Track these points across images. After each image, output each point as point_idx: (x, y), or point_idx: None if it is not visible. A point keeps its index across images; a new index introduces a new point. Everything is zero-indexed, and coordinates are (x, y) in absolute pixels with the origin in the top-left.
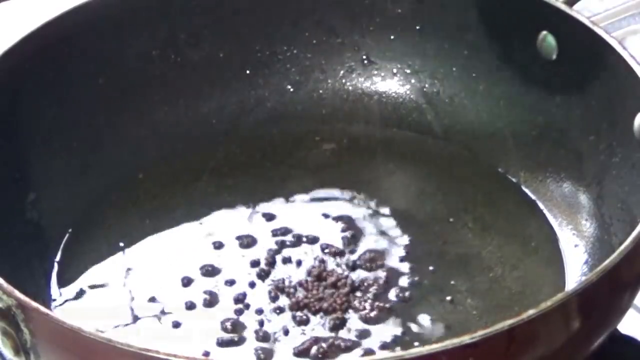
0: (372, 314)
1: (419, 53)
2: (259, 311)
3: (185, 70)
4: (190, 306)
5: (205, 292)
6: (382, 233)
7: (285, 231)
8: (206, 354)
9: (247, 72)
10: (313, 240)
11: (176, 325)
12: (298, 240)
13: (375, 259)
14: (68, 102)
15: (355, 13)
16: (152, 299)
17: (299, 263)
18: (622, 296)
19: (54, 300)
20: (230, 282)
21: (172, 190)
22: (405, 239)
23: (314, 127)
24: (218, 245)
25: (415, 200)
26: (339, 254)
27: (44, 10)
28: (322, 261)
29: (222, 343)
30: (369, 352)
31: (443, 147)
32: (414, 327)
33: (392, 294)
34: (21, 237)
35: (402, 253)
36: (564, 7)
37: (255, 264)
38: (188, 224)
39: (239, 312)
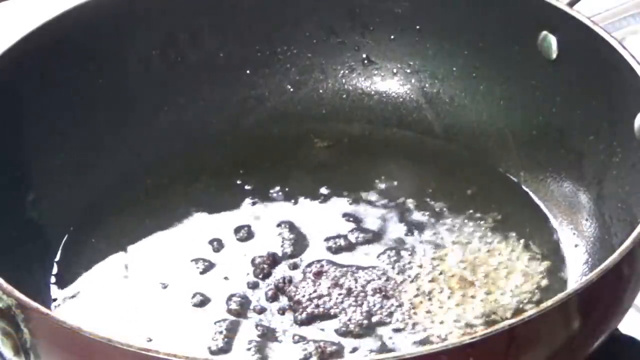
0: (373, 314)
1: (419, 53)
2: (259, 311)
3: (186, 70)
4: (191, 306)
5: (205, 292)
6: (382, 233)
7: (286, 231)
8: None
9: (247, 72)
10: (313, 239)
11: (176, 325)
12: (298, 240)
13: (374, 259)
14: (68, 102)
15: (355, 13)
16: (152, 299)
17: (299, 263)
18: (622, 296)
19: (54, 300)
20: (230, 283)
21: (172, 190)
22: (404, 239)
23: (314, 127)
24: (218, 246)
25: (415, 200)
26: (339, 253)
27: (44, 10)
28: (323, 261)
29: (221, 343)
30: (369, 352)
31: (443, 147)
32: (414, 327)
33: (393, 294)
34: (21, 237)
35: (402, 253)
36: (564, 7)
37: (255, 264)
38: (188, 223)
39: (238, 312)
